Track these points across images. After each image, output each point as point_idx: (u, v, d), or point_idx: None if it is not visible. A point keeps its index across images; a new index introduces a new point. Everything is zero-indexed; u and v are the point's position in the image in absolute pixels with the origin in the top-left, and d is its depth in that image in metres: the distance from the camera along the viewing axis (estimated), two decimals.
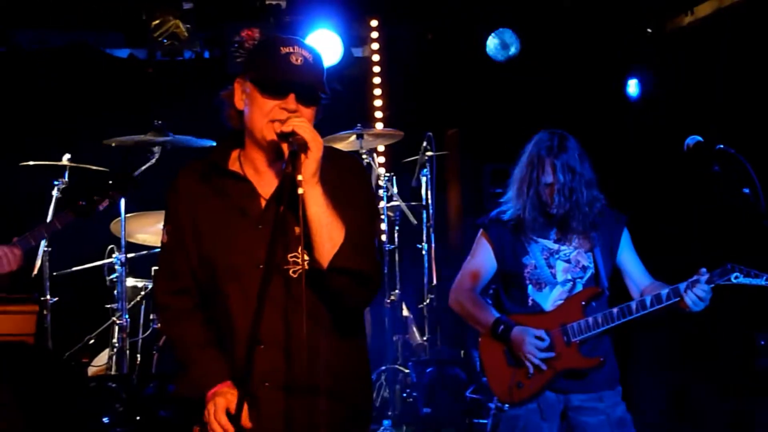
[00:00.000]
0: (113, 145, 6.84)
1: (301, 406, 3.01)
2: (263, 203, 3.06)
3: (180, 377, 3.23)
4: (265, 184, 3.09)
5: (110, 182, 5.28)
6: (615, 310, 4.21)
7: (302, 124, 2.90)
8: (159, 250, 3.33)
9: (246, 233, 3.02)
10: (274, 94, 2.96)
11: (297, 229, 2.93)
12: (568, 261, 4.33)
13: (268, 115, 2.96)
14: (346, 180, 3.10)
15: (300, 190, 2.86)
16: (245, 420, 2.93)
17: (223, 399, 2.97)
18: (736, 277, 4.07)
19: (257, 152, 3.08)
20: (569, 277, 4.32)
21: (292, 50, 2.97)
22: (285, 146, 2.92)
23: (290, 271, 3.00)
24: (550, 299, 4.32)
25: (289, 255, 3.00)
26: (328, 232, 2.92)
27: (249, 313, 2.84)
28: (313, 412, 3.01)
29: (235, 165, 3.13)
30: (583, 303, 4.26)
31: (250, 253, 2.99)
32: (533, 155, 4.33)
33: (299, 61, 2.96)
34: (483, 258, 4.45)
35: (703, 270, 4.10)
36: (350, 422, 3.15)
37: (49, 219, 6.50)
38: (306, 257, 2.97)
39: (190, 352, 3.13)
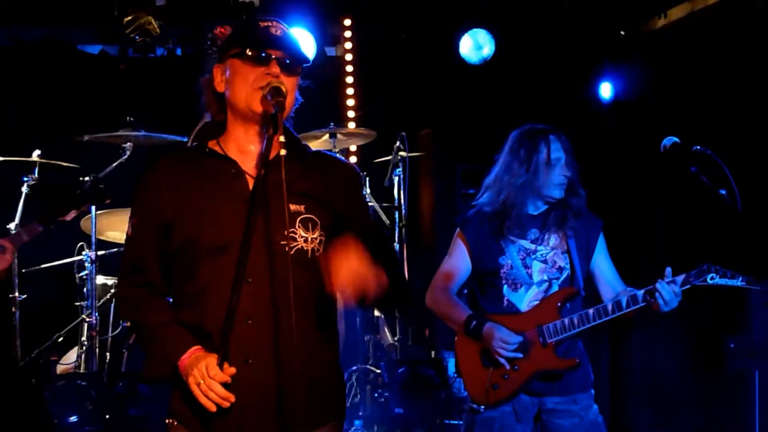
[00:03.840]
0: (86, 139, 6.79)
1: (284, 385, 2.95)
2: (250, 181, 3.06)
3: (146, 360, 3.16)
4: (250, 162, 3.10)
5: (80, 192, 5.23)
6: (591, 311, 4.19)
7: None
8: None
9: (235, 211, 2.99)
10: (257, 62, 3.03)
11: (293, 206, 2.99)
12: (544, 261, 4.31)
13: (252, 84, 3.01)
14: (346, 189, 3.21)
15: (282, 151, 2.87)
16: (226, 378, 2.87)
17: (210, 357, 2.89)
18: (712, 278, 4.07)
19: (241, 129, 3.10)
20: (545, 277, 4.30)
21: (270, 24, 3.10)
22: (268, 105, 2.97)
23: (286, 247, 2.97)
24: (526, 300, 4.30)
25: (286, 231, 2.97)
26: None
27: (237, 290, 2.84)
28: (293, 393, 2.95)
29: (216, 149, 3.14)
30: (559, 304, 4.24)
31: (239, 229, 2.92)
32: (531, 137, 4.31)
33: (279, 32, 3.08)
34: (458, 258, 4.44)
35: (668, 269, 4.11)
36: (327, 409, 3.13)
37: (16, 221, 6.46)
38: (303, 234, 3.01)
39: (152, 332, 3.07)
